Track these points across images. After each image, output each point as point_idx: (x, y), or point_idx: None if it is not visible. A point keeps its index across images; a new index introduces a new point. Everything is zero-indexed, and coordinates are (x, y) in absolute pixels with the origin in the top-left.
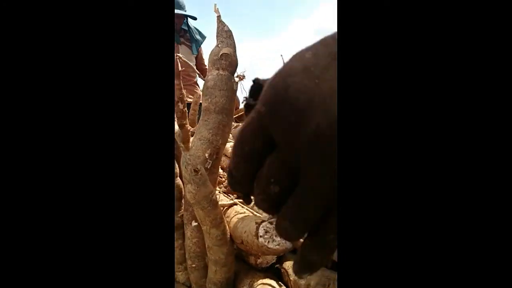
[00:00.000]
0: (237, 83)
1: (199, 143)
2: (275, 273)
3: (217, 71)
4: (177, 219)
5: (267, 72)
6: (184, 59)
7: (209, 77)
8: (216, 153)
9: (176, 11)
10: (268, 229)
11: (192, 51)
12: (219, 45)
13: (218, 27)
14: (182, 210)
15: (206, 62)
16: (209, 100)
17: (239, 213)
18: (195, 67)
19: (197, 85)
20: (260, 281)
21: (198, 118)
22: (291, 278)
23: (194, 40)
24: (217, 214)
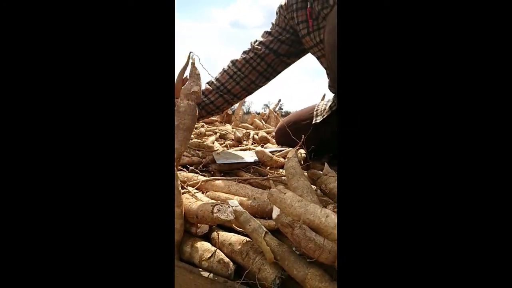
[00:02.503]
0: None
1: None
2: (207, 239)
3: (187, 101)
4: None
5: None
6: None
7: (181, 104)
8: (179, 158)
9: None
10: (220, 208)
11: None
12: (191, 83)
13: (191, 70)
14: None
15: None
16: (180, 120)
17: (188, 198)
18: None
19: None
20: (199, 242)
21: None
22: (218, 241)
23: None
24: (180, 199)
